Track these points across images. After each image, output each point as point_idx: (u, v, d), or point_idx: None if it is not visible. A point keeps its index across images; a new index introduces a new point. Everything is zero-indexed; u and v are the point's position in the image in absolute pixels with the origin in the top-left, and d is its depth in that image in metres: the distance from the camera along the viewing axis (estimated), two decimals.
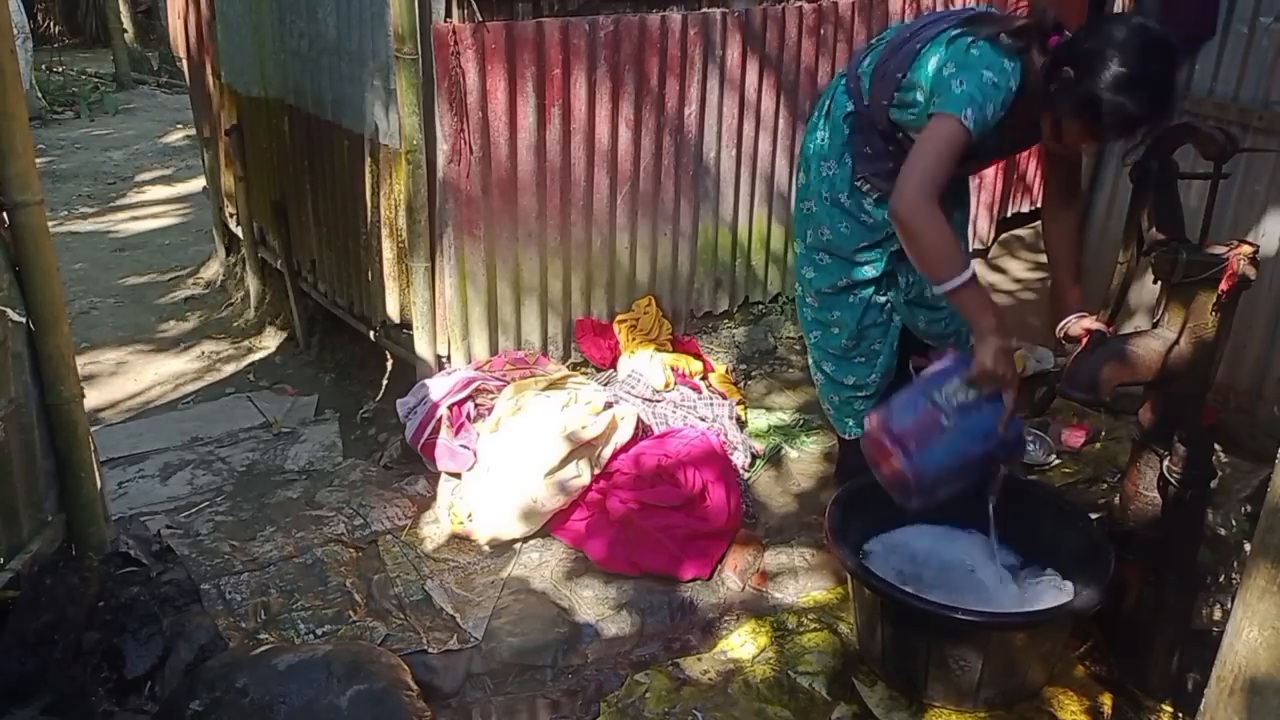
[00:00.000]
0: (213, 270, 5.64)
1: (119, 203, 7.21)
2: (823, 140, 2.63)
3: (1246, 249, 2.11)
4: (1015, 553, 2.59)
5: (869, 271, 2.65)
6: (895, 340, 2.71)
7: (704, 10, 3.75)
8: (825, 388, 2.87)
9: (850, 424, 2.88)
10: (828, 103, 2.63)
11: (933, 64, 2.27)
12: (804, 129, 4.08)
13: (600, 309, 3.88)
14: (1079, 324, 2.44)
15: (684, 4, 3.72)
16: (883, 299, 2.68)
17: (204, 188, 5.81)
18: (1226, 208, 3.43)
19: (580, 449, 3.04)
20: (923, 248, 2.22)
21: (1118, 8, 3.81)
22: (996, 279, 5.06)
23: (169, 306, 5.31)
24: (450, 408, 3.29)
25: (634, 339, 3.80)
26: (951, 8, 2.77)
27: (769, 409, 3.84)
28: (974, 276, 2.22)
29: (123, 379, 4.47)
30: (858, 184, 2.57)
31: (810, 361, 2.91)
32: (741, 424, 3.62)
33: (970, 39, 2.22)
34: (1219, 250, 2.14)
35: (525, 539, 3.07)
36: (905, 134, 2.42)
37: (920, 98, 2.32)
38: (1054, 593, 2.44)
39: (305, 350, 4.59)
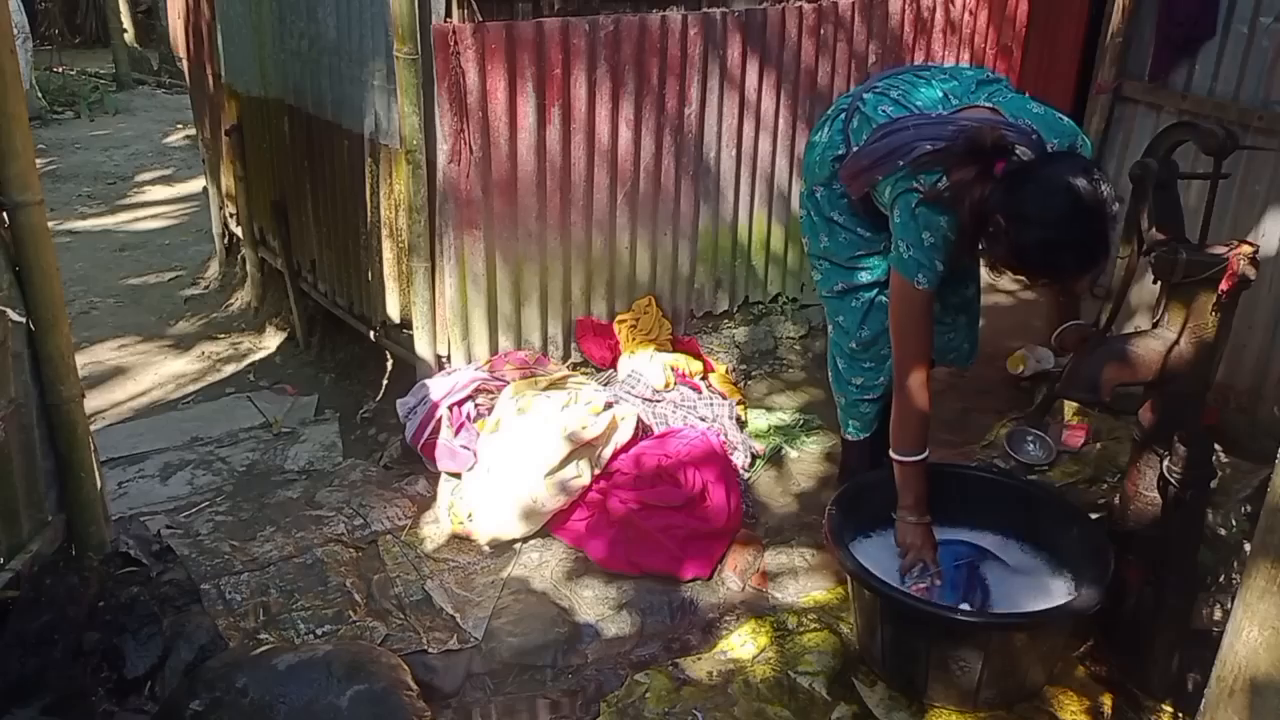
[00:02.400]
0: (213, 270, 5.64)
1: (119, 203, 7.22)
2: (817, 161, 2.68)
3: (1246, 249, 2.11)
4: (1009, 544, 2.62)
5: (865, 276, 2.68)
6: None
7: (704, 10, 3.74)
8: (837, 383, 2.89)
9: (856, 426, 2.89)
10: (826, 130, 2.66)
11: (887, 192, 2.39)
12: (804, 129, 4.13)
13: (600, 309, 3.88)
14: (1076, 331, 2.47)
15: (684, 4, 3.72)
16: (888, 301, 2.69)
17: (204, 188, 5.82)
18: (1226, 208, 3.43)
19: (580, 449, 3.04)
20: (904, 418, 2.47)
21: (1117, 6, 3.80)
22: (997, 280, 5.06)
23: (169, 306, 5.31)
24: (450, 408, 3.29)
25: (634, 339, 3.80)
26: (955, 66, 2.83)
27: (769, 409, 3.84)
28: (922, 461, 2.46)
29: (123, 379, 4.47)
30: (848, 209, 2.64)
31: (828, 352, 2.93)
32: (741, 424, 3.62)
33: (914, 201, 2.31)
34: (1219, 250, 2.14)
35: (525, 539, 3.07)
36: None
37: (883, 201, 2.45)
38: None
39: (305, 350, 4.59)
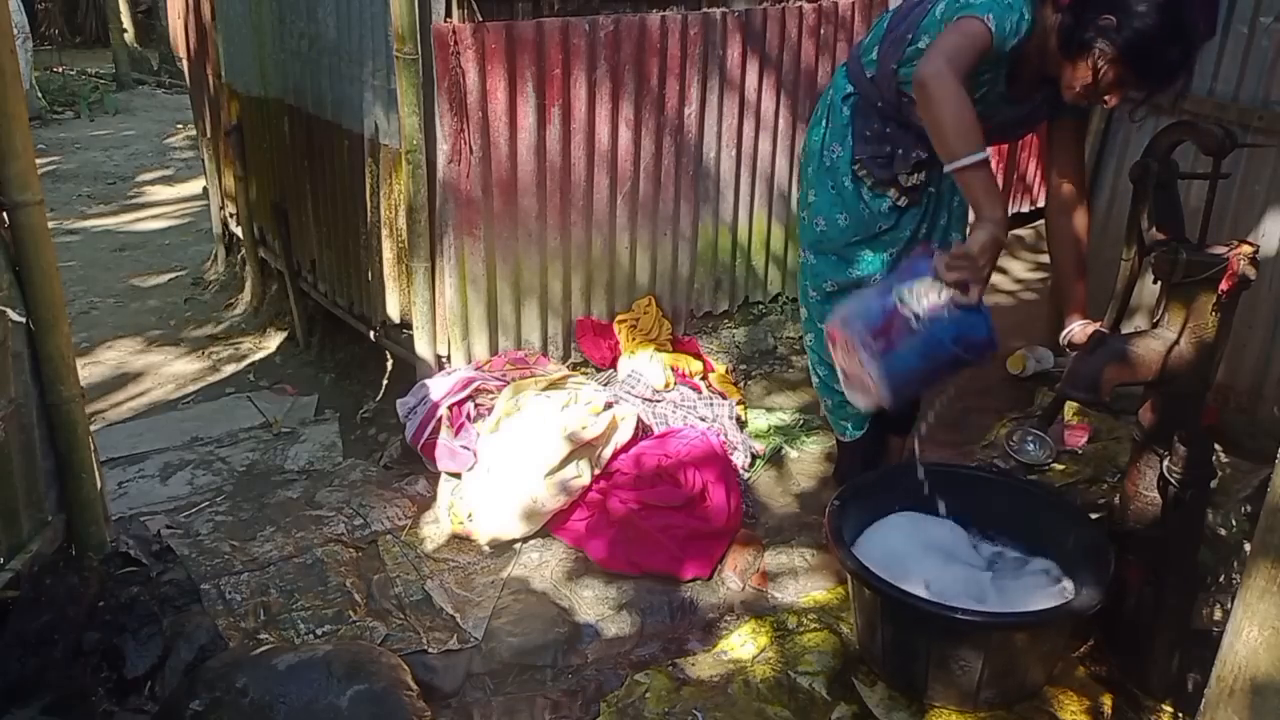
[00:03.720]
0: (213, 270, 5.64)
1: (119, 202, 7.22)
2: (825, 130, 2.65)
3: (1246, 249, 2.11)
4: (1008, 544, 2.61)
5: (857, 271, 2.66)
6: None
7: (704, 10, 3.75)
8: (821, 388, 2.89)
9: (848, 426, 2.89)
10: (830, 92, 2.64)
11: (941, 8, 2.27)
12: (804, 129, 4.11)
13: (600, 309, 3.88)
14: (1083, 332, 2.45)
15: (684, 4, 3.72)
16: None
17: (204, 188, 5.82)
18: (1226, 208, 3.43)
19: (580, 449, 3.04)
20: (941, 116, 2.10)
21: None
22: (997, 279, 5.06)
23: (169, 306, 5.31)
24: (450, 408, 3.29)
25: (634, 339, 3.80)
26: None
27: (769, 409, 3.84)
28: (988, 159, 2.12)
29: (122, 379, 4.47)
30: (855, 168, 2.58)
31: (809, 361, 2.92)
32: (741, 424, 3.62)
33: None
34: (1219, 250, 2.14)
35: (525, 539, 3.07)
36: (910, 100, 2.36)
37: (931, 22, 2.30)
38: (1039, 581, 2.47)
39: (305, 350, 4.59)
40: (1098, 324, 2.45)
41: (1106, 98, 2.24)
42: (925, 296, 2.06)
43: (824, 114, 2.68)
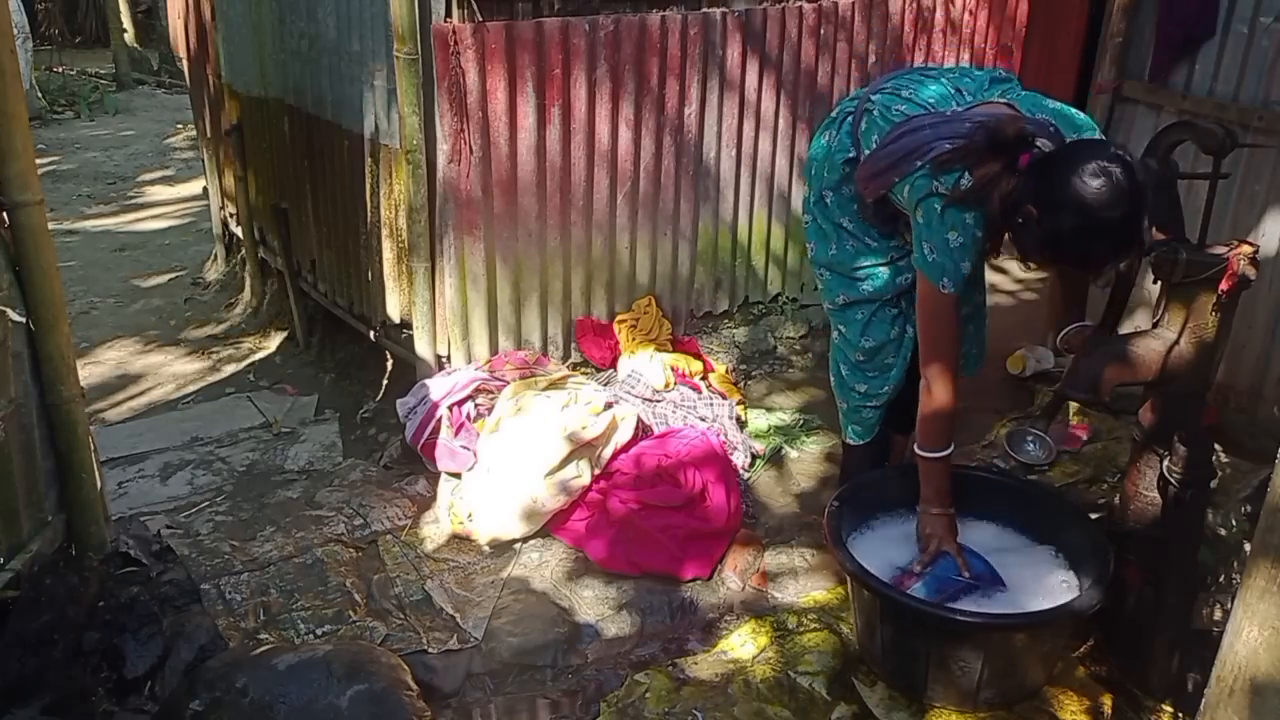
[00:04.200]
0: (213, 270, 5.64)
1: (119, 203, 7.22)
2: (825, 165, 2.64)
3: (1246, 249, 2.11)
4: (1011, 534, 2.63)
5: (867, 287, 2.67)
6: (909, 354, 2.71)
7: (704, 10, 3.74)
8: (840, 388, 2.88)
9: (858, 431, 2.88)
10: (833, 132, 2.62)
11: (906, 193, 2.34)
12: (804, 129, 4.12)
13: (600, 309, 3.88)
14: (1080, 334, 2.46)
15: (684, 4, 3.72)
16: (894, 311, 2.69)
17: (204, 188, 5.82)
18: (1226, 208, 3.43)
19: (581, 449, 3.04)
20: (932, 416, 2.43)
21: (1117, 6, 3.80)
22: (997, 279, 5.06)
23: (169, 307, 5.31)
24: (450, 408, 3.29)
25: (634, 339, 3.80)
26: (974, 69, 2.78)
27: (769, 409, 3.84)
28: (947, 456, 2.45)
29: (123, 379, 4.47)
30: (857, 214, 2.61)
31: (830, 357, 2.92)
32: (741, 424, 3.62)
33: (939, 204, 2.27)
34: (1219, 250, 2.14)
35: (525, 539, 3.07)
36: (898, 212, 2.49)
37: (903, 203, 2.40)
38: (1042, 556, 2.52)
39: (305, 350, 4.59)
40: (1094, 327, 2.46)
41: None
42: (919, 560, 2.47)
43: (824, 144, 2.66)
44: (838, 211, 2.65)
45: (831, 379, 2.91)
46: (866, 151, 2.48)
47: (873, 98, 2.49)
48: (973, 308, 2.76)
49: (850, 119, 2.56)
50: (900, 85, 2.47)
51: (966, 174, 2.23)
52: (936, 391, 2.41)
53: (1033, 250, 2.24)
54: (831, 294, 2.76)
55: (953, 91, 2.40)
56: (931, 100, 2.39)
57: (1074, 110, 2.39)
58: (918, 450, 2.48)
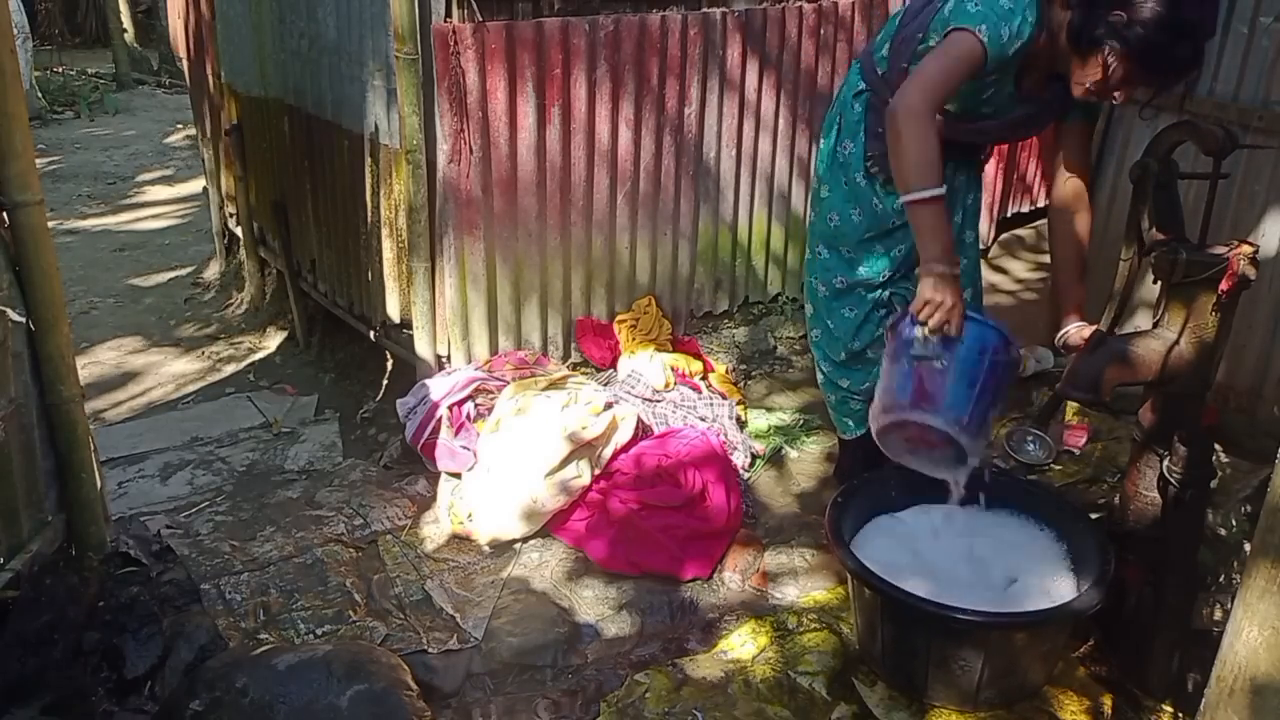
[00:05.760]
0: (213, 270, 5.65)
1: (119, 203, 7.22)
2: (838, 125, 2.66)
3: (1246, 249, 2.11)
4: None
5: (865, 271, 2.66)
6: None
7: (704, 10, 3.74)
8: (825, 385, 2.90)
9: (850, 424, 2.89)
10: (844, 88, 2.65)
11: (950, 6, 2.27)
12: (804, 129, 4.13)
13: (600, 309, 3.88)
14: (1079, 334, 2.45)
15: (684, 4, 3.72)
16: (882, 313, 2.69)
17: (204, 188, 5.82)
18: (1226, 208, 3.43)
19: (581, 449, 3.04)
20: (904, 149, 2.20)
21: None
22: (997, 279, 5.06)
23: (169, 307, 5.31)
24: (450, 408, 3.29)
25: (634, 339, 3.80)
26: None
27: (769, 409, 3.84)
28: (939, 197, 2.22)
29: (122, 379, 4.47)
30: (868, 164, 2.59)
31: (813, 356, 2.92)
32: (741, 424, 3.62)
33: None
34: (1219, 250, 2.14)
35: (525, 539, 3.07)
36: None
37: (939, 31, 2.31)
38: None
39: (305, 350, 4.59)
40: (1094, 326, 2.45)
41: (1116, 94, 2.25)
42: (930, 342, 2.24)
43: (838, 111, 2.68)
44: (853, 165, 2.62)
45: (819, 377, 2.92)
46: (885, 52, 2.48)
47: (877, 40, 2.55)
48: (971, 294, 2.72)
49: (857, 65, 2.60)
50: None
51: None
52: (916, 110, 2.18)
53: (1123, 60, 2.14)
54: (829, 275, 2.73)
55: None
56: None
57: None
58: (907, 197, 2.25)
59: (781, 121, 4.10)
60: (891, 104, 2.23)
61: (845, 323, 2.73)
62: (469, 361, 3.58)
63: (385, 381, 4.07)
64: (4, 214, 2.36)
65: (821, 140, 2.77)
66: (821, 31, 4.06)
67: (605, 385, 3.60)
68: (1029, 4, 2.22)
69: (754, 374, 4.11)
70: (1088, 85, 2.24)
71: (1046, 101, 2.45)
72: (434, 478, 3.30)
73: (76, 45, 13.03)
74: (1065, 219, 2.56)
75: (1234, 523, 2.62)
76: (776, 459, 3.55)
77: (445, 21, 3.21)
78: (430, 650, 2.64)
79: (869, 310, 2.70)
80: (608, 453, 3.15)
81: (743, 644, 2.63)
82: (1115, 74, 2.18)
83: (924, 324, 2.25)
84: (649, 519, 2.97)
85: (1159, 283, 2.24)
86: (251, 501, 3.30)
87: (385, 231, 3.66)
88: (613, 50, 3.53)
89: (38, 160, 2.47)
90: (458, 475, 3.22)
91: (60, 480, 2.61)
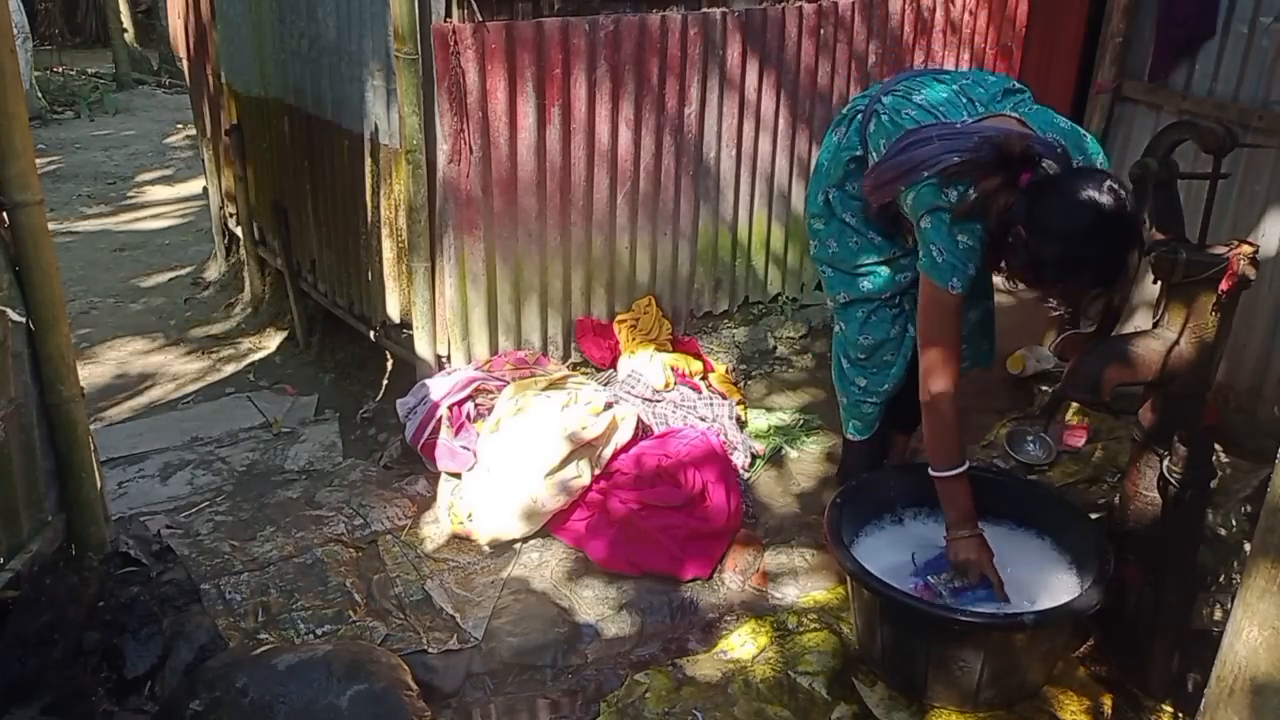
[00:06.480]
0: (213, 270, 5.64)
1: (119, 203, 7.22)
2: (831, 161, 2.65)
3: (1246, 249, 2.11)
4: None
5: (867, 285, 2.68)
6: (909, 352, 2.72)
7: (704, 10, 3.74)
8: (840, 382, 2.89)
9: (856, 426, 2.89)
10: (842, 130, 2.63)
11: (911, 201, 2.33)
12: (804, 129, 4.13)
13: (600, 309, 3.88)
14: (1075, 340, 2.46)
15: (684, 4, 3.72)
16: (894, 310, 2.69)
17: (204, 188, 5.82)
18: (1226, 208, 3.43)
19: (581, 449, 3.04)
20: (938, 434, 2.40)
21: (1117, 6, 3.80)
22: (996, 279, 5.05)
23: (169, 306, 5.31)
24: (450, 408, 3.29)
25: (634, 339, 3.80)
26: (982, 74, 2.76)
27: (769, 409, 3.84)
28: (963, 474, 2.40)
29: (123, 379, 4.47)
30: (860, 211, 2.61)
31: (832, 350, 2.92)
32: (741, 424, 3.62)
33: (945, 215, 2.27)
34: (1219, 250, 2.14)
35: (525, 539, 3.07)
36: (900, 216, 2.49)
37: (908, 211, 2.39)
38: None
39: (305, 350, 4.59)
40: (1089, 331, 2.46)
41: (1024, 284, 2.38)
42: (949, 583, 2.43)
43: (832, 154, 2.66)
44: (840, 208, 2.65)
45: (833, 372, 2.92)
46: (874, 156, 2.46)
47: (883, 99, 2.48)
48: (983, 311, 2.79)
49: (860, 117, 2.55)
50: (911, 88, 2.46)
51: (972, 188, 2.23)
52: (939, 400, 2.36)
53: (1018, 270, 2.27)
54: (833, 290, 2.77)
55: (964, 101, 2.38)
56: (941, 108, 2.37)
57: (1085, 133, 2.39)
58: (932, 473, 2.43)
59: (781, 121, 4.10)
60: (926, 395, 2.38)
61: (854, 322, 2.75)
62: (469, 361, 3.58)
63: (385, 381, 4.07)
64: (4, 214, 2.36)
65: (818, 159, 2.76)
66: (821, 31, 4.06)
67: (605, 385, 3.60)
68: (980, 231, 2.26)
69: (754, 374, 4.11)
70: (1003, 275, 2.36)
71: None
72: (434, 478, 3.30)
73: (76, 45, 13.02)
74: None
75: (1234, 523, 2.62)
76: (776, 459, 3.55)
77: (445, 21, 3.21)
78: (430, 650, 2.64)
79: (876, 307, 2.70)
80: (608, 453, 3.15)
81: (743, 644, 2.63)
82: (1018, 277, 2.31)
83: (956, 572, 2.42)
84: (649, 519, 2.97)
85: (1159, 283, 2.25)
86: (251, 501, 3.30)
87: (385, 231, 3.66)
88: (613, 50, 3.53)
89: (38, 160, 2.46)
90: (458, 475, 3.22)
91: (60, 480, 2.61)
